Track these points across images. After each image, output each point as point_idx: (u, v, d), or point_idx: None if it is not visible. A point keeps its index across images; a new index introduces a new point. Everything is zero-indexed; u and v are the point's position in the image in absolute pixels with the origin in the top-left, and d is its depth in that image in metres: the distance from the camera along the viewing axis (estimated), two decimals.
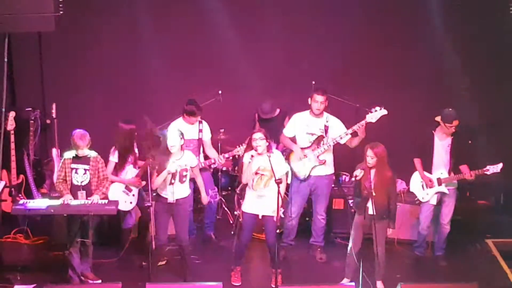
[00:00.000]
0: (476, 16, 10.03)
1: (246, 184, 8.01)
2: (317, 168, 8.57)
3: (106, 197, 8.07)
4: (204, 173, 8.88)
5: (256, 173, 7.87)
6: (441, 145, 8.52)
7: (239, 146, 8.54)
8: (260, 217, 7.93)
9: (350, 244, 7.90)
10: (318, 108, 8.50)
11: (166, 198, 7.90)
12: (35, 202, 7.99)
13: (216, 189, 9.11)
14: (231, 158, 9.76)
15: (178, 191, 7.92)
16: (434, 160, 8.52)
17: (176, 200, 7.92)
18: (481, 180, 8.62)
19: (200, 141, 8.86)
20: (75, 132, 7.91)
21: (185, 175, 7.95)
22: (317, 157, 8.53)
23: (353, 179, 7.79)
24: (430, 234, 8.81)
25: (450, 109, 8.44)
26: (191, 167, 8.00)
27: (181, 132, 7.97)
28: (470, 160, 8.51)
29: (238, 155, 8.67)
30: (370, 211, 7.67)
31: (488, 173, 8.33)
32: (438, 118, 8.49)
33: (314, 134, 8.58)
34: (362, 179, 7.71)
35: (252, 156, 7.82)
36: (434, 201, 8.58)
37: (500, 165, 8.28)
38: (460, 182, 8.59)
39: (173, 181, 7.85)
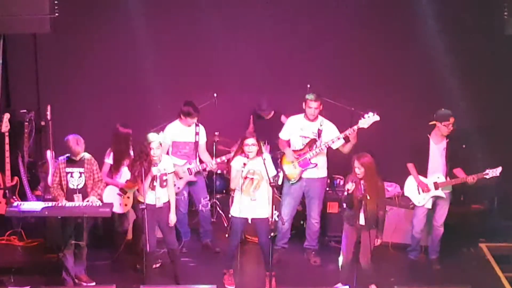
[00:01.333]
0: (470, 19, 10.05)
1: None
2: (309, 170, 8.58)
3: (100, 199, 8.07)
4: (198, 180, 8.87)
5: (246, 177, 7.88)
6: (437, 149, 8.53)
7: (232, 151, 8.50)
8: (250, 221, 7.95)
9: (343, 254, 7.89)
10: (312, 114, 8.51)
11: (149, 204, 7.81)
12: (29, 204, 7.97)
13: (208, 198, 9.07)
14: (226, 161, 9.76)
15: (160, 196, 7.92)
16: (430, 164, 8.53)
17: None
18: (475, 184, 8.61)
19: (196, 144, 8.84)
20: (70, 137, 7.88)
21: (165, 180, 7.93)
22: (309, 160, 8.54)
23: (345, 193, 7.78)
24: (424, 238, 8.82)
25: (443, 109, 8.46)
26: (167, 173, 7.97)
27: (159, 142, 7.90)
28: (464, 164, 8.53)
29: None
30: (362, 221, 7.67)
31: (487, 177, 8.32)
32: (433, 122, 8.50)
33: (307, 137, 8.60)
34: (354, 189, 7.71)
35: (244, 164, 7.81)
36: (429, 205, 8.59)
37: (499, 169, 8.27)
38: (457, 186, 8.60)
39: (155, 184, 7.85)
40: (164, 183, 7.92)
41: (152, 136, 7.88)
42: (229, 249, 8.15)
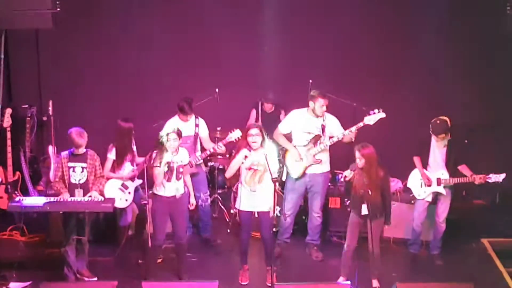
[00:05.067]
0: (473, 16, 10.04)
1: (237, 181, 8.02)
2: (313, 166, 8.57)
3: (102, 194, 8.07)
4: (199, 175, 8.87)
5: (250, 169, 7.87)
6: (437, 146, 8.52)
7: (231, 132, 8.47)
8: (255, 214, 7.93)
9: (345, 243, 7.93)
10: (323, 112, 8.50)
11: (163, 197, 7.86)
12: (31, 199, 7.98)
13: (208, 193, 9.06)
14: (227, 155, 9.76)
15: (179, 187, 7.91)
16: (431, 159, 8.52)
17: (174, 196, 7.90)
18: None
19: (196, 137, 8.84)
20: (72, 130, 7.88)
21: (181, 172, 7.94)
22: (313, 156, 8.53)
23: (342, 179, 7.81)
24: (425, 233, 8.82)
25: (439, 121, 8.38)
26: (184, 164, 7.97)
27: (179, 132, 7.91)
28: (466, 160, 8.51)
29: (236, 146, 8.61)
30: (364, 211, 7.68)
31: (490, 181, 8.26)
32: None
33: (311, 133, 8.58)
34: (355, 179, 7.72)
35: (246, 156, 7.81)
36: (429, 198, 8.59)
37: (503, 175, 8.21)
38: (460, 184, 8.59)
39: (170, 178, 7.84)
40: (180, 175, 7.90)
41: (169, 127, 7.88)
42: (241, 244, 8.14)
